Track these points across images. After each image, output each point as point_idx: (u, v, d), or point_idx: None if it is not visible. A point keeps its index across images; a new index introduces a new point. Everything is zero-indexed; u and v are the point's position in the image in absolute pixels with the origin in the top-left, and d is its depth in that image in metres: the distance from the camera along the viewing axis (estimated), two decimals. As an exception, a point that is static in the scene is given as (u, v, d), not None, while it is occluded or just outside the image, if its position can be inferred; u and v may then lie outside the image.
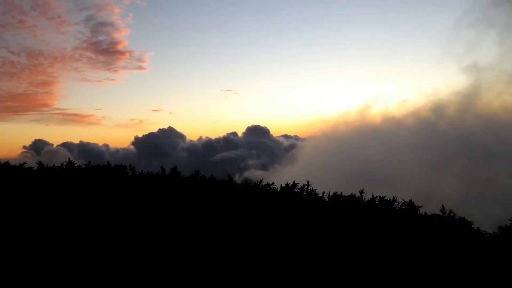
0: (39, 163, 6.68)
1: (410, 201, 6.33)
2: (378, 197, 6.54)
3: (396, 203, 6.34)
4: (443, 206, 6.05)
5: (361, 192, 6.56)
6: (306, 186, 6.82)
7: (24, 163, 6.65)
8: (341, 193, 6.54)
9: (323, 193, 6.67)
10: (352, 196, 6.51)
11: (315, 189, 6.83)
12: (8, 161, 6.65)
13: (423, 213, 6.14)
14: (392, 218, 5.67)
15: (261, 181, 7.16)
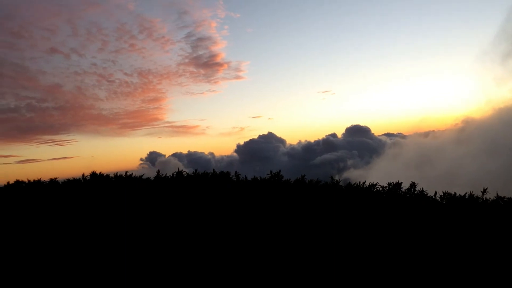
0: (157, 172, 7.34)
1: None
2: (505, 198, 5.77)
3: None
4: None
5: (484, 191, 5.85)
6: (413, 187, 6.42)
7: (143, 174, 7.36)
8: (455, 193, 6.02)
9: (435, 193, 6.21)
10: (471, 195, 5.89)
11: (424, 190, 6.37)
12: (132, 173, 7.41)
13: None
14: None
15: (364, 182, 6.91)
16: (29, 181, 7.99)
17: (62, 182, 7.75)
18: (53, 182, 7.84)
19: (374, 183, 6.71)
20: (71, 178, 7.65)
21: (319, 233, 5.16)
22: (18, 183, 7.98)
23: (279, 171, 7.54)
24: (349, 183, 7.02)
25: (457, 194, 5.98)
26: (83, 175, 7.61)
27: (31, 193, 7.34)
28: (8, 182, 7.99)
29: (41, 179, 7.95)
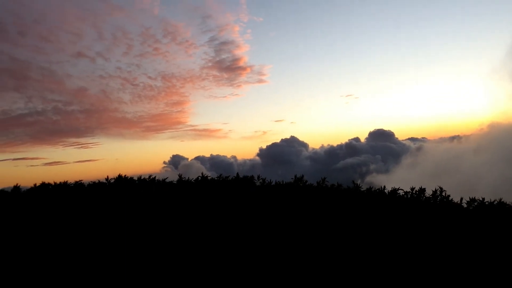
0: (179, 176, 7.41)
1: None
2: None
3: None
4: None
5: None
6: (438, 192, 6.27)
7: (166, 178, 7.44)
8: (483, 199, 5.86)
9: (461, 198, 6.06)
10: (500, 202, 5.72)
11: (449, 195, 6.20)
12: (155, 176, 7.51)
13: None
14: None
15: (384, 187, 6.80)
16: (55, 183, 8.16)
17: (87, 185, 7.90)
18: (78, 184, 7.99)
19: (397, 188, 6.60)
20: (97, 181, 7.79)
21: (341, 237, 5.11)
22: (44, 185, 8.15)
23: (302, 175, 7.52)
24: (371, 187, 6.92)
25: (485, 200, 5.82)
26: (107, 177, 7.74)
27: (57, 195, 7.49)
28: (35, 184, 8.18)
29: (67, 182, 8.12)
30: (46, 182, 8.26)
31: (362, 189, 6.98)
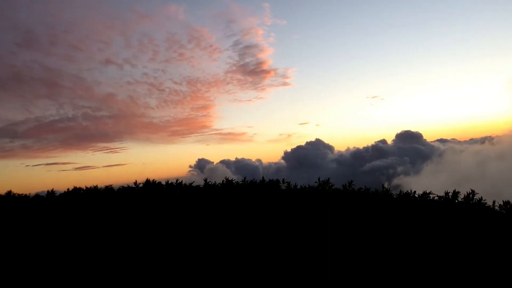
0: (205, 180, 7.50)
1: None
2: None
3: None
4: None
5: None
6: (471, 195, 6.10)
7: (193, 182, 7.55)
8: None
9: (494, 202, 5.88)
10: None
11: (481, 198, 6.02)
12: (182, 180, 7.62)
13: None
14: None
15: (414, 191, 6.65)
16: (86, 188, 8.45)
17: (117, 189, 8.11)
18: (109, 189, 8.23)
19: (428, 192, 6.44)
20: (126, 185, 7.98)
21: (370, 245, 5.05)
22: (76, 189, 8.45)
23: (328, 179, 7.44)
24: (401, 191, 6.78)
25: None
26: (136, 182, 7.93)
27: (89, 199, 7.74)
28: (68, 189, 8.50)
29: (98, 186, 8.40)
30: (78, 186, 8.58)
31: (391, 193, 6.84)
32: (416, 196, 6.51)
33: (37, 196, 8.32)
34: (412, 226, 5.31)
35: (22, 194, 8.41)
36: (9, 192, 8.32)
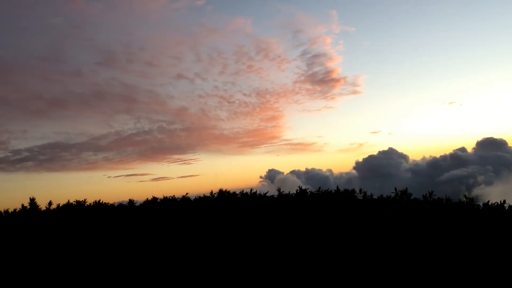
0: (278, 190, 7.53)
1: None
2: None
3: None
4: None
5: None
6: None
7: (267, 192, 7.63)
8: None
9: None
10: None
11: None
12: (256, 190, 7.74)
13: None
14: None
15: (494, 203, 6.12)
16: (164, 197, 8.87)
17: (193, 199, 8.44)
18: (185, 198, 8.59)
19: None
20: (202, 195, 8.25)
21: (459, 261, 4.71)
22: (154, 199, 8.93)
23: (406, 188, 7.13)
24: (488, 202, 6.30)
25: None
26: (212, 192, 8.17)
27: (165, 208, 8.12)
28: (147, 199, 9.00)
29: (175, 196, 8.80)
30: (155, 196, 9.06)
31: (476, 204, 6.38)
32: (505, 206, 6.01)
33: (121, 205, 8.94)
34: (505, 239, 4.88)
35: (108, 203, 9.05)
36: (98, 201, 8.98)
